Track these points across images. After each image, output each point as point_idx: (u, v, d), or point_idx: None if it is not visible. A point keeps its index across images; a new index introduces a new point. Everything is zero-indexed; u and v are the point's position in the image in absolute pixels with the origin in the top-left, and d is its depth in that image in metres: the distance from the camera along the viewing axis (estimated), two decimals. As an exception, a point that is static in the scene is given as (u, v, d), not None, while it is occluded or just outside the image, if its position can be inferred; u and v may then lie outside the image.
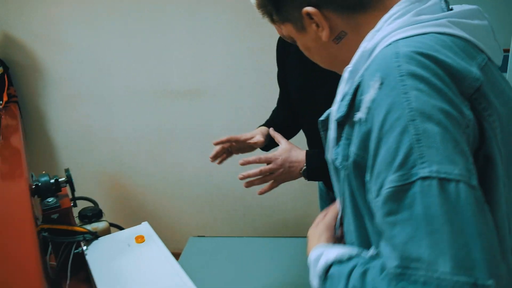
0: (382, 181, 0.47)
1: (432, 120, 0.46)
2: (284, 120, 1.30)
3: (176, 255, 1.10)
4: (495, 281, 0.41)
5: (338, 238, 0.72)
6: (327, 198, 1.37)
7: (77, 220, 1.15)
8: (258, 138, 1.15)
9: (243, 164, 1.05)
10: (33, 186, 1.01)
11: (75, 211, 1.12)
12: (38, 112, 2.19)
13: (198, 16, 1.91)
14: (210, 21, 1.91)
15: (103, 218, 1.20)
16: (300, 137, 1.28)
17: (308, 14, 0.60)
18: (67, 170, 1.08)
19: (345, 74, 0.58)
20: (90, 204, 1.24)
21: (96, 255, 1.06)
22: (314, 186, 2.07)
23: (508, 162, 0.54)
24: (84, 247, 1.07)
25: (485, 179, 0.50)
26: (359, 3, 0.59)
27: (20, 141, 1.31)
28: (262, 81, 1.95)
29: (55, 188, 1.03)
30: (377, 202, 0.48)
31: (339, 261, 0.57)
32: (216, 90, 2.03)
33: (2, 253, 0.57)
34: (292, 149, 1.07)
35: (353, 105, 0.55)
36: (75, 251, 1.04)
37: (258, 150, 1.24)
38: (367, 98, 0.50)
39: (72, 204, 1.07)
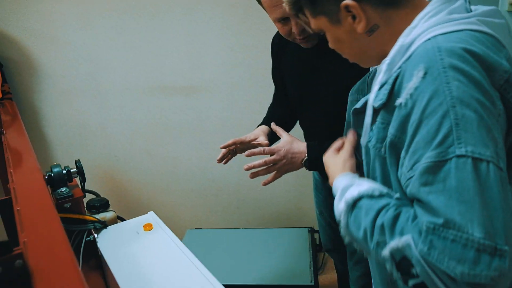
0: (419, 157, 0.55)
1: (470, 108, 0.54)
2: (281, 116, 1.34)
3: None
4: (510, 248, 0.50)
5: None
6: (323, 188, 1.44)
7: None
8: (263, 140, 1.19)
9: (248, 156, 1.11)
10: (46, 177, 1.05)
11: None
12: (32, 108, 2.19)
13: (193, 12, 1.94)
14: (205, 18, 1.94)
15: (109, 209, 1.25)
16: (298, 134, 1.34)
17: (346, 7, 0.66)
18: (78, 161, 1.12)
19: (383, 66, 0.66)
20: (93, 196, 1.29)
21: (107, 242, 1.10)
22: (305, 180, 2.14)
23: None
24: (95, 235, 1.12)
25: (510, 164, 0.58)
26: None
27: (24, 133, 1.34)
28: (256, 77, 2.00)
29: (67, 178, 1.08)
30: (410, 174, 0.57)
31: (370, 195, 0.65)
32: (211, 86, 2.06)
33: (34, 242, 0.59)
34: (294, 141, 1.13)
35: (392, 93, 0.63)
36: (87, 239, 1.09)
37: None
38: (410, 86, 0.58)
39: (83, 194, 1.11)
